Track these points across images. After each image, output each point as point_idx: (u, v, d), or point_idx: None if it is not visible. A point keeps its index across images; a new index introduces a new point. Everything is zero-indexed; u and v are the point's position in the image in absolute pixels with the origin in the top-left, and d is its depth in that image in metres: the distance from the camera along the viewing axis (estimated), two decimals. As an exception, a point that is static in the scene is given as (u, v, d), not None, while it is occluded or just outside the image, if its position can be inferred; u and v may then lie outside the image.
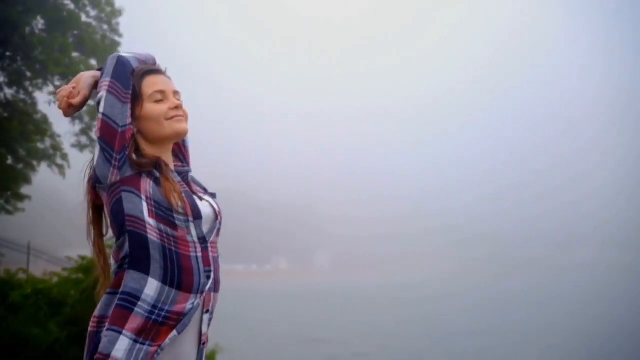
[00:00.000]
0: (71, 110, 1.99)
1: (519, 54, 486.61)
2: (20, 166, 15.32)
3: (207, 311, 1.86)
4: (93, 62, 14.63)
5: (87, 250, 9.33)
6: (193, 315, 1.80)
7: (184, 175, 2.01)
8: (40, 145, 14.94)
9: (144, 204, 1.80)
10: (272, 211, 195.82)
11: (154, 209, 1.80)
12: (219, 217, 1.96)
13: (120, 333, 1.73)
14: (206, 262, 1.84)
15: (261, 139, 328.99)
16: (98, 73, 1.97)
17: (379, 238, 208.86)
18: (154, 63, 2.03)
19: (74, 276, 9.58)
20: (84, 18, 14.77)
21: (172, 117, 1.93)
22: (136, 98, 1.91)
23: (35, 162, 15.34)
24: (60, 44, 13.69)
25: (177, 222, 1.81)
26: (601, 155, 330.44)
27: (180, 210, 1.81)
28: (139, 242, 1.78)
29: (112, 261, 1.91)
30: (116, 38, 15.04)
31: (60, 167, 15.00)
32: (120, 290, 1.78)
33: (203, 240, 1.86)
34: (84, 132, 14.74)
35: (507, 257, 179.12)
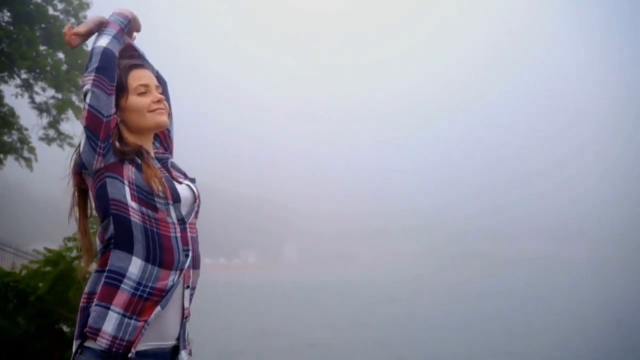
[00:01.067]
0: (77, 39, 2.13)
1: (516, 50, 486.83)
2: (-14, 160, 15.24)
3: (188, 287, 2.01)
4: (60, 55, 14.59)
5: (54, 244, 9.35)
6: (174, 291, 1.95)
7: (164, 162, 2.15)
8: (7, 139, 14.82)
9: (127, 189, 1.92)
10: (241, 205, 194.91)
11: (136, 193, 1.92)
12: (197, 200, 2.09)
13: (109, 308, 1.88)
14: (185, 241, 1.99)
15: (232, 132, 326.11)
16: (105, 15, 2.12)
17: (352, 234, 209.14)
18: (129, 21, 2.14)
19: (43, 269, 9.59)
20: (51, 11, 14.68)
21: (154, 110, 2.08)
22: (122, 90, 2.05)
23: (1, 156, 15.24)
24: (27, 38, 13.64)
25: (157, 205, 1.94)
26: (599, 153, 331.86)
27: (161, 194, 1.94)
28: (123, 224, 1.92)
29: (97, 241, 2.03)
30: (83, 31, 14.98)
31: (28, 160, 14.93)
32: (107, 268, 1.93)
33: (182, 221, 2.00)
34: (52, 125, 14.70)
35: (497, 254, 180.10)
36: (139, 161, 1.99)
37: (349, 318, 35.71)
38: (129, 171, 1.96)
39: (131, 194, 1.93)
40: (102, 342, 1.86)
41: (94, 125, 1.95)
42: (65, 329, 9.86)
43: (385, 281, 75.50)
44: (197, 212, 2.10)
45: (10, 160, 15.33)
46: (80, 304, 1.96)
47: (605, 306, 40.43)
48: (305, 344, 26.25)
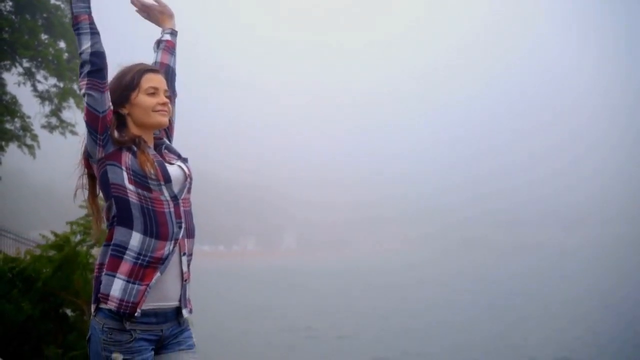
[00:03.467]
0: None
1: (513, 34, 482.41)
2: (-12, 146, 15.40)
3: (185, 254, 2.33)
4: (62, 44, 14.74)
5: (52, 230, 9.52)
6: (171, 259, 2.28)
7: (160, 146, 2.48)
8: (9, 126, 15.02)
9: (125, 174, 2.24)
10: (238, 192, 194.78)
11: (132, 177, 2.24)
12: (188, 178, 2.41)
13: (115, 276, 2.21)
14: (177, 215, 2.31)
15: (229, 119, 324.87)
16: None
17: (350, 221, 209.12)
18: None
19: (47, 253, 9.81)
20: (52, 1, 14.82)
21: (158, 110, 2.39)
22: (134, 87, 2.37)
23: (3, 143, 15.43)
24: (29, 27, 13.81)
25: (151, 186, 2.26)
26: (598, 138, 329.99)
27: (153, 177, 2.26)
28: (123, 204, 2.24)
29: (104, 219, 2.37)
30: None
31: (30, 148, 15.14)
32: (112, 242, 2.25)
33: (174, 198, 2.32)
34: (54, 113, 14.91)
35: (498, 241, 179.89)
36: (135, 149, 2.28)
37: (346, 305, 36.03)
38: (127, 158, 2.26)
39: (128, 177, 2.24)
40: (111, 305, 2.18)
41: (92, 121, 2.24)
42: (69, 313, 10.12)
43: (384, 268, 75.62)
44: (189, 188, 2.40)
45: (10, 147, 15.54)
46: (94, 274, 2.30)
47: (607, 294, 40.16)
48: (300, 329, 26.73)
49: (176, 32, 2.77)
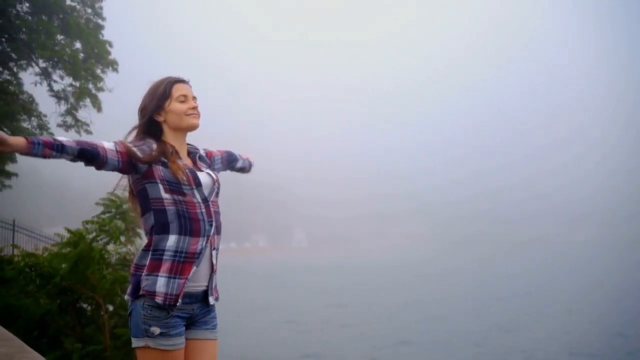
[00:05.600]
0: None
1: (515, 30, 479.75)
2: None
3: (215, 249, 2.68)
4: (78, 45, 14.99)
5: (72, 226, 9.74)
6: (205, 253, 2.61)
7: (194, 155, 2.83)
8: (26, 125, 15.31)
9: (160, 186, 2.57)
10: (243, 189, 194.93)
11: (167, 186, 2.57)
12: (216, 183, 2.75)
13: (157, 276, 2.53)
14: (209, 215, 2.64)
15: (238, 116, 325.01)
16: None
17: (355, 218, 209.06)
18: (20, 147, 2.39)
19: (64, 250, 10.06)
20: (68, 2, 15.04)
21: (189, 114, 2.74)
22: (166, 97, 2.71)
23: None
24: (45, 28, 14.06)
25: (184, 190, 2.58)
26: (597, 137, 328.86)
27: (185, 182, 2.59)
28: (160, 216, 2.57)
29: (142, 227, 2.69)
30: (99, 21, 15.42)
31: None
32: (152, 248, 2.57)
33: (205, 200, 2.65)
34: (69, 112, 15.17)
35: (500, 237, 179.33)
36: (165, 160, 2.60)
37: (349, 299, 36.31)
38: (159, 171, 2.57)
39: (164, 188, 2.57)
40: (159, 299, 2.51)
41: (119, 171, 2.57)
42: (86, 307, 10.38)
43: (388, 264, 75.98)
44: (217, 192, 2.74)
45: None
46: (131, 271, 2.61)
47: (607, 291, 40.12)
48: (300, 323, 27.11)
49: (252, 165, 3.36)
